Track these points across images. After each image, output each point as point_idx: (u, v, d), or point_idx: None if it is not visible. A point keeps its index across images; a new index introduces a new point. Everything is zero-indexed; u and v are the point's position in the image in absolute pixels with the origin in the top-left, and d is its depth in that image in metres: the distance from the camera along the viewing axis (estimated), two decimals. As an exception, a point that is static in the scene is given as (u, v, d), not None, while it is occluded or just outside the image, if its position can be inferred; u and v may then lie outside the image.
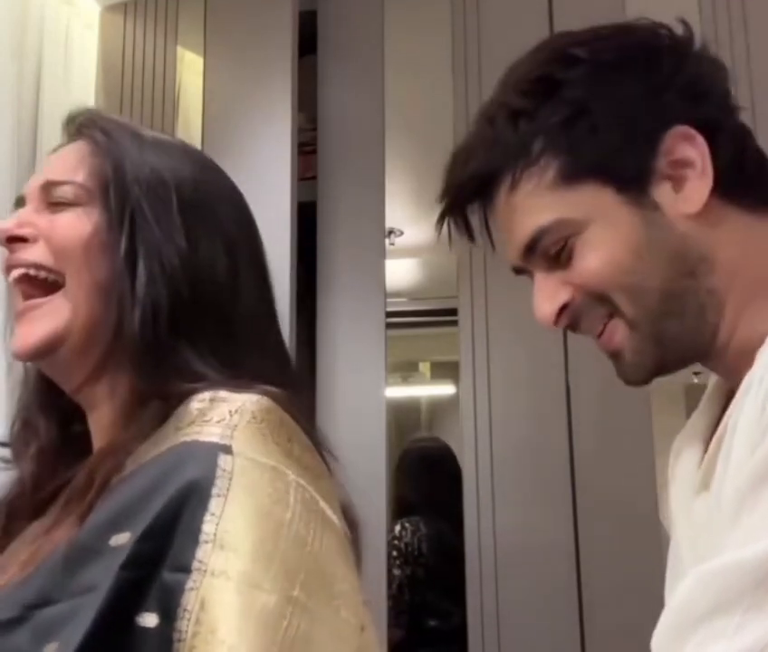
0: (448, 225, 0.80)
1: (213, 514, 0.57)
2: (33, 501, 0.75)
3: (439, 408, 2.98)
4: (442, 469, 2.28)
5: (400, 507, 2.25)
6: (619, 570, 1.73)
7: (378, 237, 2.02)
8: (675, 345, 0.73)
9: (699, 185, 0.71)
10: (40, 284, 0.73)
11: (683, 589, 0.61)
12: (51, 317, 0.72)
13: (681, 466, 0.79)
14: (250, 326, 0.75)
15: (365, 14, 2.10)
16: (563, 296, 0.74)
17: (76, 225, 0.73)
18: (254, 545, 0.56)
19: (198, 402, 0.67)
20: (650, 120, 0.73)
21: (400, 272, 2.55)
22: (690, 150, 0.71)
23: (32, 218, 0.74)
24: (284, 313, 1.93)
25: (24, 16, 1.75)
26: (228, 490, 0.58)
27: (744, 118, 0.77)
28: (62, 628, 0.57)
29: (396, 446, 2.44)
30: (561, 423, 1.83)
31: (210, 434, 0.63)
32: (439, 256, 2.46)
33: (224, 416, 0.64)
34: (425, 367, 3.02)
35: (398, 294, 2.42)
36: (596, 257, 0.72)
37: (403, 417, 2.84)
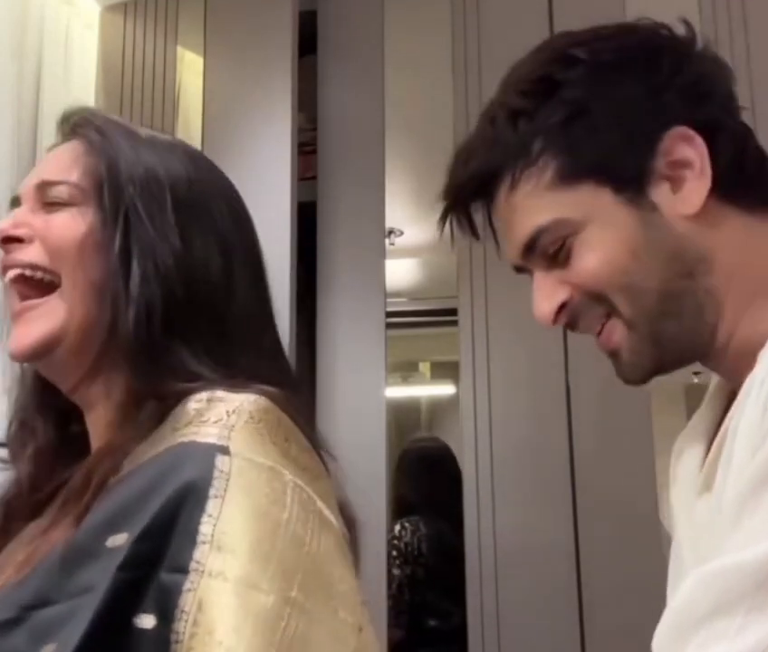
0: (450, 223, 0.81)
1: (210, 515, 0.57)
2: (31, 501, 0.75)
3: (439, 408, 2.98)
4: (441, 469, 2.28)
5: (400, 507, 2.25)
6: (619, 570, 1.73)
7: (378, 237, 2.02)
8: (673, 345, 0.73)
9: (697, 185, 0.71)
10: (36, 285, 0.73)
11: (684, 589, 0.61)
12: (47, 318, 0.72)
13: (683, 467, 0.79)
14: (245, 325, 0.75)
15: (365, 14, 2.10)
16: (562, 295, 0.75)
17: (71, 225, 0.73)
18: (251, 546, 0.56)
19: (195, 402, 0.67)
20: (649, 121, 0.72)
21: (400, 272, 2.55)
22: (689, 151, 0.71)
23: (27, 218, 0.74)
24: (284, 313, 1.92)
25: (24, 16, 1.75)
26: (226, 491, 0.58)
27: (744, 118, 0.77)
28: (60, 630, 0.57)
29: (396, 446, 2.44)
30: (561, 423, 1.83)
31: (207, 434, 0.63)
32: (439, 256, 2.46)
33: (221, 416, 0.64)
34: (425, 367, 3.03)
35: (398, 294, 2.42)
36: (594, 257, 0.72)
37: (403, 416, 2.84)
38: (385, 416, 1.93)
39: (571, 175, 0.72)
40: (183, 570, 0.56)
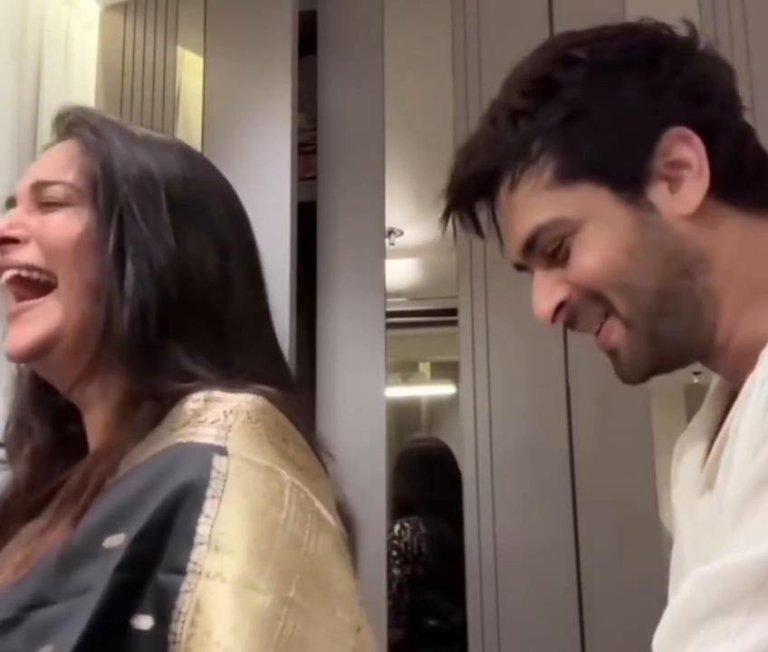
0: (453, 222, 0.81)
1: (207, 516, 0.57)
2: (28, 502, 0.74)
3: (439, 408, 2.97)
4: (440, 469, 2.29)
5: (399, 507, 2.25)
6: (619, 570, 1.73)
7: (378, 237, 2.01)
8: (670, 344, 0.73)
9: (695, 185, 0.71)
10: (32, 285, 0.73)
11: (684, 589, 0.61)
12: (43, 318, 0.72)
13: (684, 467, 0.79)
14: (242, 325, 0.75)
15: (365, 13, 2.10)
16: (561, 294, 0.75)
17: (67, 225, 0.72)
18: (249, 546, 0.56)
19: (193, 402, 0.67)
20: (648, 121, 0.73)
21: (400, 272, 2.55)
22: (687, 151, 0.71)
23: (23, 219, 0.74)
24: (284, 313, 1.92)
25: (24, 17, 1.75)
26: (223, 491, 0.58)
27: (745, 118, 0.77)
28: (58, 630, 0.57)
29: (396, 446, 2.44)
30: (561, 423, 1.83)
31: (205, 435, 0.62)
32: (439, 256, 2.46)
33: (218, 416, 0.64)
34: (425, 367, 3.02)
35: (398, 294, 2.42)
36: (591, 257, 0.72)
37: (403, 416, 2.84)
38: (385, 416, 1.93)
39: (570, 174, 0.73)
40: (180, 570, 0.56)
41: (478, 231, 0.81)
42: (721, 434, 0.70)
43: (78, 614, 0.56)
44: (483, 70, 1.97)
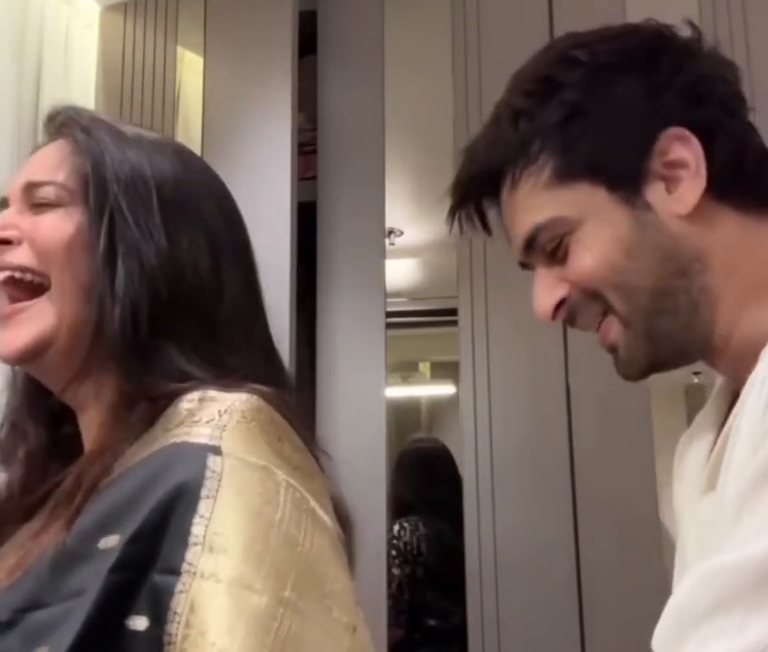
0: (459, 220, 0.82)
1: (202, 516, 0.57)
2: (22, 505, 0.74)
3: (439, 408, 2.98)
4: (439, 470, 2.29)
5: (398, 507, 2.25)
6: (619, 570, 1.73)
7: (378, 237, 2.02)
8: (667, 343, 0.74)
9: (692, 185, 0.72)
10: (25, 287, 0.73)
11: (684, 586, 0.61)
12: (36, 320, 0.71)
13: (687, 466, 0.79)
14: (234, 324, 0.74)
15: (365, 13, 2.10)
16: (560, 292, 0.76)
17: (59, 226, 0.72)
18: (244, 546, 0.56)
19: (187, 402, 0.66)
20: (645, 121, 0.73)
21: (400, 272, 2.55)
22: (684, 151, 0.72)
23: (15, 220, 0.74)
24: (284, 313, 1.92)
25: (24, 17, 1.75)
26: (218, 491, 0.58)
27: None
28: (53, 632, 0.57)
29: (396, 447, 2.44)
30: (561, 423, 1.83)
31: (199, 434, 0.62)
32: (439, 256, 2.46)
33: (213, 416, 0.64)
34: (425, 367, 3.03)
35: (398, 294, 2.42)
36: (589, 256, 0.73)
37: (403, 416, 2.84)
38: (385, 416, 1.93)
39: (568, 174, 0.74)
40: (175, 571, 0.56)
41: (485, 229, 0.82)
42: (723, 432, 0.71)
43: (73, 615, 0.56)
44: (483, 70, 1.97)
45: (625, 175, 0.73)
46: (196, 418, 0.64)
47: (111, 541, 0.58)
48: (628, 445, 1.78)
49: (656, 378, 0.77)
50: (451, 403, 2.55)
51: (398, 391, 2.83)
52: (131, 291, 0.69)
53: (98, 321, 0.69)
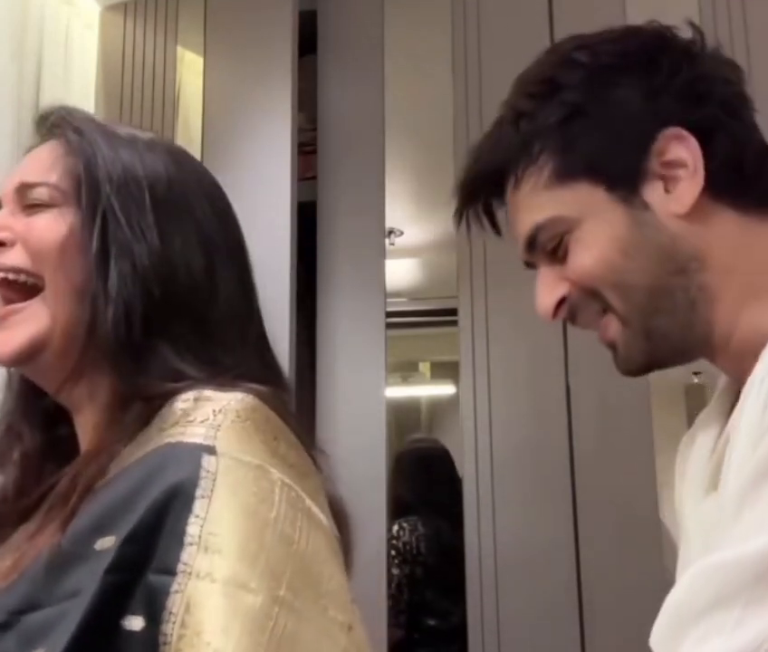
0: (467, 220, 0.83)
1: (197, 516, 0.57)
2: (18, 507, 0.74)
3: (439, 408, 2.97)
4: (438, 470, 2.29)
5: (397, 508, 2.25)
6: (619, 570, 1.73)
7: (378, 237, 2.01)
8: (665, 341, 0.74)
9: (690, 185, 0.72)
10: (19, 288, 0.73)
11: (684, 582, 0.61)
12: (31, 322, 0.71)
13: (690, 465, 0.80)
14: (228, 324, 0.74)
15: (365, 13, 2.10)
16: (561, 290, 0.77)
17: (52, 227, 0.72)
18: (239, 545, 0.56)
19: (182, 402, 0.66)
20: (644, 121, 0.74)
21: (400, 272, 2.55)
22: (682, 151, 0.72)
23: (8, 222, 0.74)
24: (284, 313, 1.92)
25: (24, 16, 1.75)
26: (212, 491, 0.58)
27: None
28: (49, 634, 0.57)
29: (396, 446, 2.44)
30: (561, 423, 1.83)
31: (194, 434, 0.62)
32: (439, 256, 2.46)
33: (207, 415, 0.64)
34: (425, 367, 3.02)
35: (398, 294, 2.42)
36: (588, 255, 0.74)
37: (403, 417, 2.83)
38: (385, 416, 1.93)
39: (568, 174, 0.74)
40: (170, 571, 0.56)
41: (494, 228, 0.83)
42: (725, 432, 0.71)
43: (69, 617, 0.56)
44: (483, 70, 1.97)
45: (623, 175, 0.73)
46: (191, 418, 0.64)
47: (107, 542, 0.58)
48: (628, 445, 1.78)
49: (656, 377, 0.77)
50: (451, 403, 2.54)
51: (398, 391, 2.83)
52: (124, 291, 0.69)
53: (91, 322, 0.69)
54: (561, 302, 0.77)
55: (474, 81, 1.97)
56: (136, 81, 2.05)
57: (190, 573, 0.55)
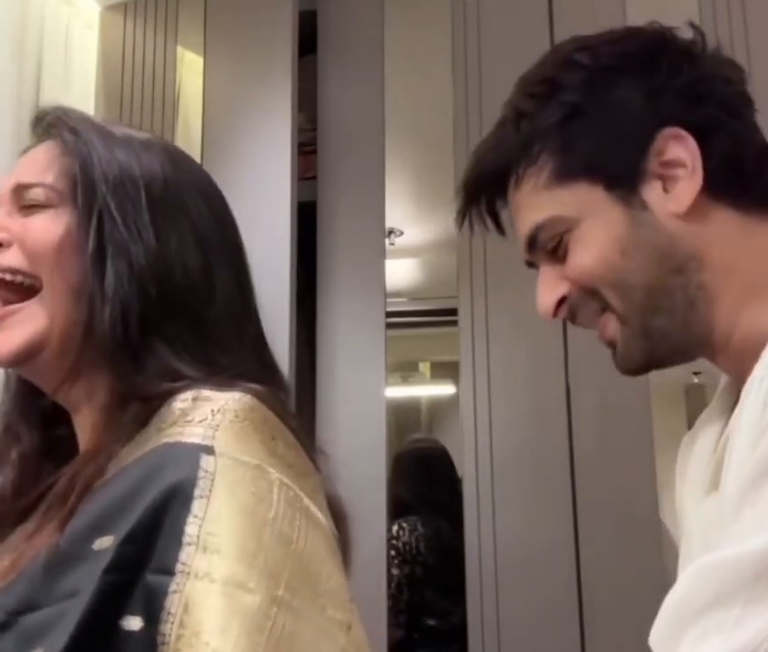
0: (470, 220, 0.83)
1: (196, 516, 0.57)
2: (16, 507, 0.74)
3: (439, 408, 2.97)
4: (438, 470, 2.29)
5: (396, 508, 2.25)
6: (619, 570, 1.73)
7: (378, 237, 2.01)
8: (664, 340, 0.75)
9: (688, 184, 0.72)
10: (17, 289, 0.73)
11: (683, 581, 0.61)
12: (28, 322, 0.71)
13: (692, 465, 0.80)
14: (225, 324, 0.74)
15: (365, 13, 2.10)
16: (561, 289, 0.77)
17: (49, 227, 0.72)
18: (237, 545, 0.56)
19: (181, 402, 0.67)
20: (643, 122, 0.74)
21: (400, 272, 2.55)
22: (681, 151, 0.73)
23: (5, 222, 0.74)
24: (284, 313, 1.92)
25: (24, 16, 1.75)
26: (211, 491, 0.58)
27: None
28: (47, 634, 0.57)
29: (396, 447, 2.44)
30: (561, 423, 1.83)
31: (192, 434, 0.62)
32: (439, 256, 2.46)
33: (206, 415, 0.64)
34: (425, 367, 3.02)
35: (398, 294, 2.42)
36: (587, 254, 0.74)
37: (403, 417, 2.84)
38: (385, 416, 1.93)
39: (567, 174, 0.75)
40: (169, 571, 0.56)
41: (498, 228, 0.83)
42: (725, 432, 0.71)
43: (67, 617, 0.56)
44: (483, 70, 1.97)
45: (622, 174, 0.74)
46: (189, 418, 0.64)
47: (106, 542, 0.58)
48: (628, 445, 1.78)
49: (656, 377, 0.77)
50: (451, 403, 2.54)
51: (398, 391, 2.83)
52: (121, 291, 0.69)
53: (88, 322, 0.69)
54: (562, 301, 0.77)
55: (474, 81, 1.97)
56: (136, 81, 2.05)
57: (189, 573, 0.55)
